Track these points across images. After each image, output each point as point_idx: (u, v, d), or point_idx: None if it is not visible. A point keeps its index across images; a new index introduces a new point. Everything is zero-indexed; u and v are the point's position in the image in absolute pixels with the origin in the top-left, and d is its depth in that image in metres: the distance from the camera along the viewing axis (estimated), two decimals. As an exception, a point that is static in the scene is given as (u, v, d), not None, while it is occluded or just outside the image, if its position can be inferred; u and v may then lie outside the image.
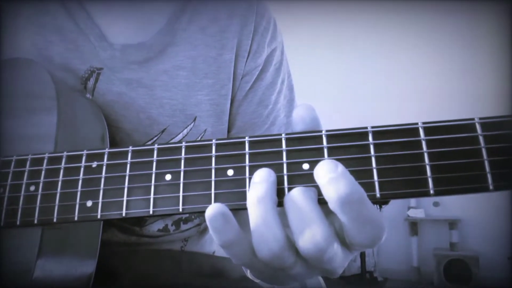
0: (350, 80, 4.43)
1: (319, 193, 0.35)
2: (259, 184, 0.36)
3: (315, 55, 4.37)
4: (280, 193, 0.37)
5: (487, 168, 0.33)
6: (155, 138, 0.65)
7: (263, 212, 0.34)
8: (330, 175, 0.34)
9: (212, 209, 0.35)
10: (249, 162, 0.38)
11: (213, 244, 0.84)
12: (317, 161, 0.36)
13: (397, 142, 0.35)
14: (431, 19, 4.00)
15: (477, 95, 3.82)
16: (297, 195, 0.35)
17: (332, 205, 0.34)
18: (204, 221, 0.76)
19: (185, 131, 0.67)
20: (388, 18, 4.09)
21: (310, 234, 0.33)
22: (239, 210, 0.36)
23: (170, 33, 0.67)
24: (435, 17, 3.98)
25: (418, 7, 3.94)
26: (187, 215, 0.73)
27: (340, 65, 4.43)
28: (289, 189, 0.37)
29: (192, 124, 0.67)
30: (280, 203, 0.36)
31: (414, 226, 4.40)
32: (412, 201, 4.39)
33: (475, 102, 3.83)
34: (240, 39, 0.69)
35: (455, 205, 4.28)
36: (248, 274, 0.81)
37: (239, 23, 0.69)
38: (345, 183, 0.33)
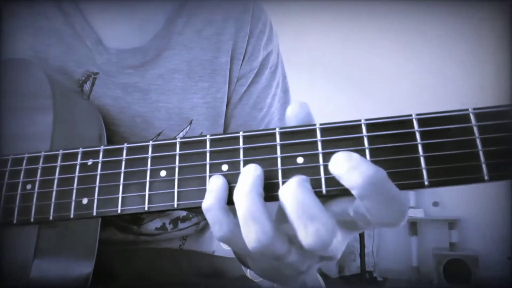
0: (349, 78, 4.44)
1: (315, 186, 0.35)
2: (244, 179, 0.36)
3: (313, 52, 4.38)
4: (274, 188, 0.37)
5: (482, 159, 0.33)
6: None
7: (248, 205, 0.34)
8: (349, 164, 0.33)
9: (207, 201, 0.36)
10: (243, 157, 0.38)
11: (213, 243, 0.84)
12: (312, 155, 0.37)
13: (391, 134, 0.35)
14: (432, 17, 4.01)
15: (477, 93, 3.83)
16: (293, 189, 0.34)
17: (358, 190, 0.33)
18: (202, 219, 0.76)
19: (181, 135, 0.67)
20: (387, 16, 4.09)
21: (314, 229, 0.33)
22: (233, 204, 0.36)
23: (165, 37, 0.67)
24: (435, 16, 3.99)
25: (421, 5, 3.95)
26: (185, 213, 0.73)
27: (340, 63, 4.43)
28: (284, 183, 0.36)
29: (188, 127, 0.67)
30: (275, 197, 0.36)
31: (413, 226, 4.40)
32: (412, 201, 4.40)
33: (475, 100, 3.83)
34: (235, 42, 0.69)
35: (454, 205, 4.29)
36: (248, 274, 0.81)
37: (235, 26, 0.69)
38: (367, 166, 0.32)
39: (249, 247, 0.35)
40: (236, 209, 0.35)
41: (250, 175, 0.36)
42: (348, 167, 0.33)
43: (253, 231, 0.34)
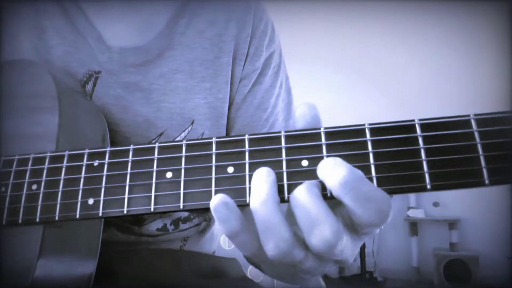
0: (349, 79, 4.44)
1: (323, 188, 0.36)
2: (259, 186, 0.36)
3: (313, 55, 4.38)
4: (280, 190, 0.37)
5: (483, 163, 0.34)
6: (153, 141, 0.65)
7: (267, 214, 0.35)
8: (328, 167, 0.35)
9: (216, 200, 0.36)
10: (249, 159, 0.39)
11: (213, 244, 0.84)
12: (316, 158, 0.37)
13: (394, 138, 0.36)
14: (431, 18, 4.01)
15: (476, 95, 3.83)
16: (301, 194, 0.35)
17: (335, 191, 0.35)
18: (203, 220, 0.76)
19: (182, 135, 0.67)
20: (388, 16, 4.10)
21: (319, 232, 0.34)
22: (240, 206, 0.37)
23: (168, 37, 0.67)
24: (435, 16, 3.99)
25: (420, 6, 3.95)
26: (186, 214, 0.73)
27: (339, 63, 4.44)
28: (289, 185, 0.37)
29: (190, 127, 0.67)
30: (282, 199, 0.37)
31: (414, 226, 4.40)
32: (412, 201, 4.40)
33: (475, 102, 3.84)
34: (237, 43, 0.69)
35: (455, 205, 4.29)
36: (248, 274, 0.81)
37: (237, 26, 0.69)
38: (342, 167, 0.35)
39: (268, 255, 0.36)
40: (253, 216, 0.36)
41: (264, 181, 0.36)
42: (328, 170, 0.35)
43: (272, 240, 0.35)
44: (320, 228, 0.34)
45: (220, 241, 1.09)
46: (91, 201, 0.42)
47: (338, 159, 0.36)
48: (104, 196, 0.42)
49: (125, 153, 0.42)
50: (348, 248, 0.36)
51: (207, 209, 0.38)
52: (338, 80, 4.48)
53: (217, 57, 0.68)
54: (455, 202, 4.27)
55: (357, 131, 0.37)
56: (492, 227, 4.10)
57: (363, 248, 3.98)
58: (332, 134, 0.38)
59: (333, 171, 0.35)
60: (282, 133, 0.39)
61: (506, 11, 3.67)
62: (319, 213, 0.34)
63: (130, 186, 0.41)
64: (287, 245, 0.35)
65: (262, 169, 0.37)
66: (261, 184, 0.36)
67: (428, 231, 4.42)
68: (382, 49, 4.28)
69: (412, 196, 4.40)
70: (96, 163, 0.43)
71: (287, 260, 0.36)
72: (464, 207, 4.23)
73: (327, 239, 0.34)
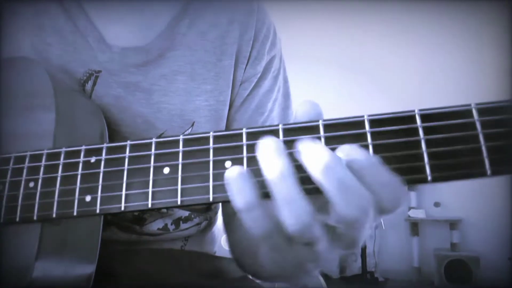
0: (350, 77, 4.45)
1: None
2: (275, 158, 0.35)
3: (313, 53, 4.39)
4: None
5: (485, 154, 0.33)
6: None
7: (287, 186, 0.34)
8: (351, 150, 0.35)
9: (231, 170, 0.35)
10: (247, 153, 0.38)
11: (214, 244, 0.84)
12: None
13: (394, 130, 0.36)
14: (431, 15, 4.02)
15: (477, 94, 3.83)
16: (334, 166, 0.34)
17: (363, 170, 0.34)
18: (204, 220, 0.76)
19: None
20: (387, 15, 4.11)
21: (357, 201, 0.34)
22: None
23: (169, 38, 0.66)
24: (435, 14, 4.00)
25: (421, 5, 3.96)
26: (187, 214, 0.73)
27: (339, 63, 4.44)
28: None
29: (190, 129, 0.67)
30: None
31: (415, 226, 4.40)
32: (413, 201, 4.40)
33: (475, 100, 3.84)
34: (240, 46, 0.69)
35: (456, 205, 4.29)
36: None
37: (239, 29, 0.69)
38: (362, 152, 0.35)
39: (289, 230, 0.34)
40: (272, 193, 0.35)
41: (280, 153, 0.35)
42: (348, 152, 0.35)
43: (294, 211, 0.34)
44: (354, 198, 0.34)
45: (221, 241, 1.09)
46: (88, 198, 0.42)
47: (355, 146, 0.35)
48: (102, 193, 0.41)
49: (122, 149, 0.42)
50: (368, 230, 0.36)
51: (206, 208, 0.37)
52: (338, 79, 4.49)
53: (219, 60, 0.68)
54: (456, 202, 4.27)
55: (357, 123, 0.37)
56: (493, 228, 4.10)
57: (364, 249, 3.98)
58: (331, 126, 0.37)
59: (358, 153, 0.35)
60: (280, 126, 0.38)
61: (507, 7, 3.67)
62: (355, 183, 0.34)
63: (127, 182, 0.41)
64: (309, 217, 0.34)
65: (268, 139, 0.36)
66: (273, 155, 0.35)
67: (429, 231, 4.42)
68: (382, 48, 4.29)
69: (413, 196, 4.40)
70: (93, 159, 0.43)
71: (306, 236, 0.35)
72: (465, 208, 4.23)
73: (362, 206, 0.34)
